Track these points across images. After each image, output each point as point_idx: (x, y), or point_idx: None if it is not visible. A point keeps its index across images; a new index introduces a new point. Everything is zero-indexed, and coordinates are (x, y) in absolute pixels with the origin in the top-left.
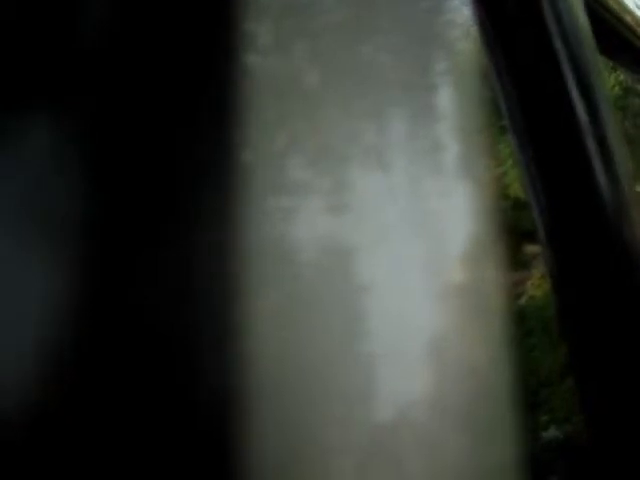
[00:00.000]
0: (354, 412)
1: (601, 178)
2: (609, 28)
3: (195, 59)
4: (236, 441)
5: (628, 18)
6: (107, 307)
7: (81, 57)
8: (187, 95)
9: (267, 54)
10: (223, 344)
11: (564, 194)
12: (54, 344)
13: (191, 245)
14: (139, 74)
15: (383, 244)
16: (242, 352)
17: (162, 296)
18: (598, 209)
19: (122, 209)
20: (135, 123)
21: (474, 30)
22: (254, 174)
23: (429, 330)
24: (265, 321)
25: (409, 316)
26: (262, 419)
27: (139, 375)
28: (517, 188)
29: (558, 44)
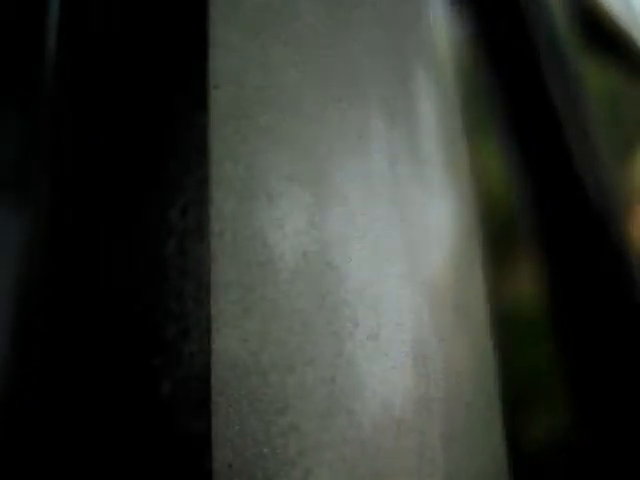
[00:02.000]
0: (337, 412)
1: (585, 173)
2: (597, 22)
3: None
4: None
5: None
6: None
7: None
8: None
9: (245, 56)
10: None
11: (549, 190)
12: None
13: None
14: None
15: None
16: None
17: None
18: (584, 204)
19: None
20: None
21: (455, 28)
22: (231, 178)
23: (413, 329)
24: (248, 317)
25: (393, 315)
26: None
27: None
28: (499, 187)
29: (538, 37)
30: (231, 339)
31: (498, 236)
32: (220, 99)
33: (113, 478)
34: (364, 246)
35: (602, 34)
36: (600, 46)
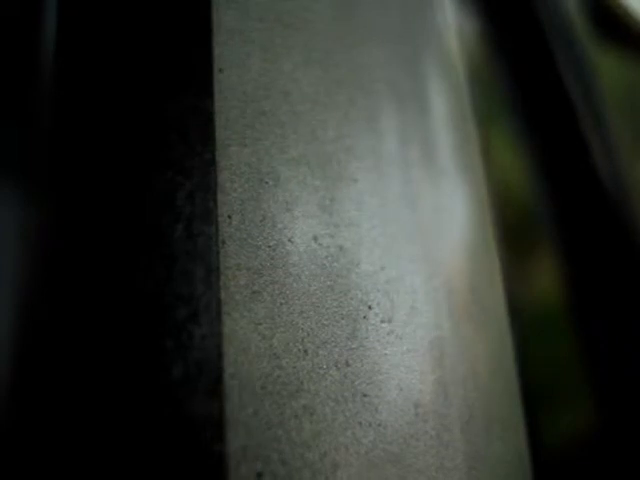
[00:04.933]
0: (352, 395)
1: (600, 163)
2: (611, 13)
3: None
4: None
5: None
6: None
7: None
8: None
9: (249, 41)
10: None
11: (564, 180)
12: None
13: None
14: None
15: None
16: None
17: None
18: (599, 194)
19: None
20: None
21: (465, 17)
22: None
23: (428, 312)
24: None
25: (407, 299)
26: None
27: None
28: (513, 174)
29: (551, 26)
30: (242, 323)
31: (513, 224)
32: (225, 83)
33: (124, 462)
34: (375, 229)
35: (616, 24)
36: (615, 37)
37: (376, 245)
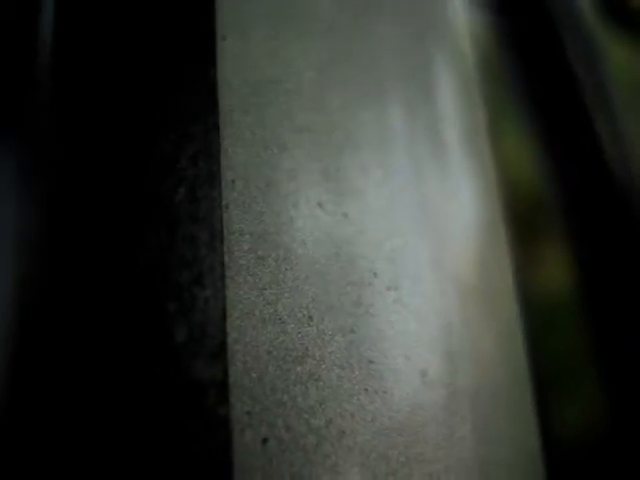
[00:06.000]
0: (357, 362)
1: (612, 156)
2: (622, 3)
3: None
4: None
5: None
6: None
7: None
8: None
9: (252, 7)
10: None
11: (576, 173)
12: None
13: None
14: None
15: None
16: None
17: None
18: (611, 187)
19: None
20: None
21: (476, 13)
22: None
23: (434, 282)
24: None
25: (412, 267)
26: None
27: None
28: (522, 166)
29: (562, 18)
30: (246, 287)
31: (522, 210)
32: (228, 50)
33: (128, 425)
34: (381, 198)
35: (626, 13)
36: (624, 25)
37: (381, 214)
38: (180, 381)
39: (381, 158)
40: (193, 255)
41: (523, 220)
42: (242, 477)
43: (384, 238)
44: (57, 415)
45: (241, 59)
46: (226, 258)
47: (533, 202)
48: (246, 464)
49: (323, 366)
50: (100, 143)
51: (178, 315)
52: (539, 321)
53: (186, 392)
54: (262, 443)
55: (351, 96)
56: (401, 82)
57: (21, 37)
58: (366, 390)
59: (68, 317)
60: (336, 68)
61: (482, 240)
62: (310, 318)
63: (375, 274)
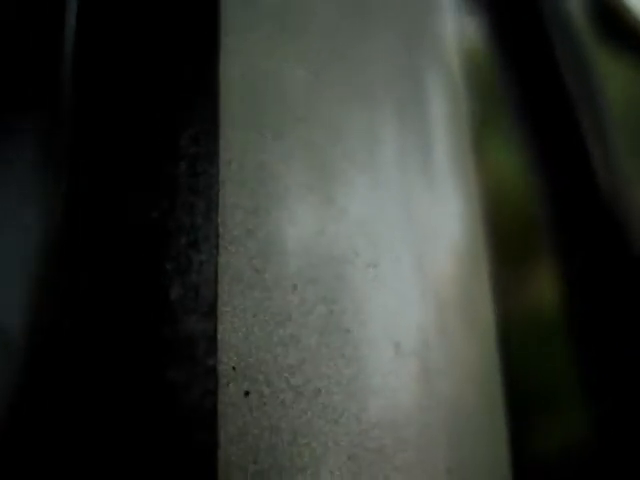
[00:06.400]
0: (335, 329)
1: (601, 171)
2: (615, 18)
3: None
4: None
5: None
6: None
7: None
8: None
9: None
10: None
11: (563, 188)
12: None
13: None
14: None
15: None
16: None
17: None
18: (598, 202)
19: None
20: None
21: (468, 25)
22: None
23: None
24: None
25: (393, 250)
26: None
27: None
28: (509, 184)
29: (555, 31)
30: (236, 255)
31: (507, 228)
32: (230, 47)
33: (122, 370)
34: (366, 185)
35: (619, 26)
36: (617, 38)
37: (366, 198)
38: (174, 333)
39: (367, 143)
40: (190, 222)
41: (508, 236)
42: (224, 425)
43: (367, 219)
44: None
45: (241, 55)
46: (220, 229)
47: (519, 217)
48: (228, 414)
49: (304, 331)
50: (104, 118)
51: (174, 275)
52: (520, 338)
53: (179, 342)
54: (244, 395)
55: (343, 94)
56: (391, 87)
57: (47, 39)
58: (343, 355)
59: (73, 272)
60: (329, 68)
61: (462, 254)
62: (294, 287)
63: (357, 253)
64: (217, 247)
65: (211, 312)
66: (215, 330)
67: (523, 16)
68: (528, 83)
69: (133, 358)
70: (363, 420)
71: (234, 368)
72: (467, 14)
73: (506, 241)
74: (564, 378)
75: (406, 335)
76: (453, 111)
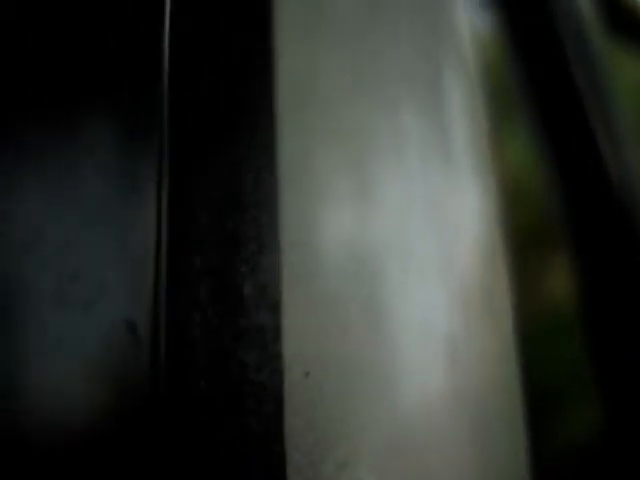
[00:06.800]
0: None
1: (612, 167)
2: (623, 13)
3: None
4: None
5: None
6: None
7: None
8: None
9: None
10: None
11: (577, 185)
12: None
13: None
14: None
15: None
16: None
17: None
18: (610, 199)
19: None
20: None
21: (482, 22)
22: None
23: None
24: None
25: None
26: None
27: None
28: (526, 178)
29: (564, 27)
30: (295, 258)
31: (523, 222)
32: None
33: (206, 353)
34: (394, 181)
35: (629, 23)
36: (627, 36)
37: (396, 196)
38: (248, 323)
39: (397, 158)
40: (257, 233)
41: (524, 229)
42: (289, 399)
43: (398, 221)
44: None
45: (292, 70)
46: (280, 236)
47: (534, 212)
48: (292, 391)
49: (351, 321)
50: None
51: (247, 275)
52: (537, 332)
53: (251, 331)
54: (305, 376)
55: (372, 100)
56: (413, 88)
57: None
58: (383, 343)
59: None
60: (358, 72)
61: (482, 247)
62: (341, 281)
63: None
64: (279, 252)
65: (276, 306)
66: (280, 321)
67: (533, 10)
68: (538, 77)
69: (216, 344)
70: (399, 404)
71: (295, 354)
72: (480, 9)
73: (522, 235)
74: (580, 374)
75: (435, 324)
76: (471, 107)
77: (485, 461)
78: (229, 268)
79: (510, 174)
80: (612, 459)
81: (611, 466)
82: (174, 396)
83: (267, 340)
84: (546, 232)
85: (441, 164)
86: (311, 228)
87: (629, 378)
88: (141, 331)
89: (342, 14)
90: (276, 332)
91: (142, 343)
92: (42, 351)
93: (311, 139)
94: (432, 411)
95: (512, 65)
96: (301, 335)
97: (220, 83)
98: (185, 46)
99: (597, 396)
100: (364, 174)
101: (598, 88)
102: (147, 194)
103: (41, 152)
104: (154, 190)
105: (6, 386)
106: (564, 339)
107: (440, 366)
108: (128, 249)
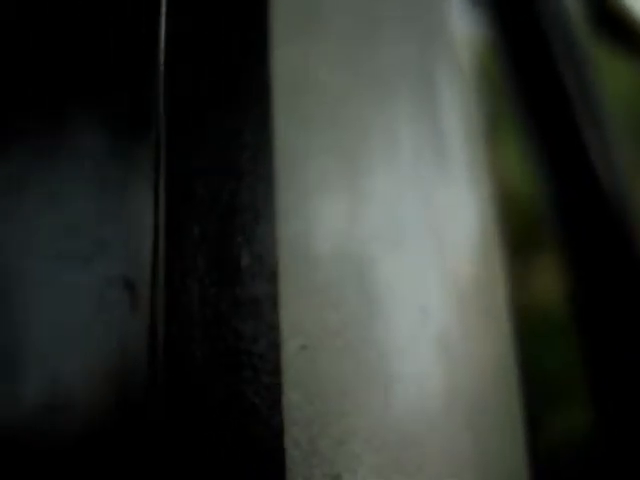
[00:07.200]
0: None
1: (602, 170)
2: (614, 18)
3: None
4: None
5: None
6: None
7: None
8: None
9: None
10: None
11: (567, 188)
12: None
13: None
14: None
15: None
16: None
17: None
18: (600, 201)
19: None
20: None
21: (476, 27)
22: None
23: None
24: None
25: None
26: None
27: None
28: (520, 182)
29: (554, 33)
30: (290, 232)
31: (516, 225)
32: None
33: (203, 322)
34: (386, 174)
35: (618, 27)
36: (617, 39)
37: (388, 188)
38: (244, 293)
39: (390, 151)
40: (253, 199)
41: (517, 232)
42: (286, 371)
43: (390, 210)
44: None
45: (289, 58)
46: (276, 208)
47: (527, 214)
48: (289, 363)
49: (344, 297)
50: (198, 122)
51: (243, 245)
52: (530, 333)
53: (247, 302)
54: (301, 349)
55: (366, 94)
56: (406, 85)
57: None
58: (376, 320)
59: None
60: (353, 69)
61: (477, 250)
62: (334, 260)
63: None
64: (275, 222)
65: (273, 277)
66: (277, 293)
67: (522, 15)
68: (528, 81)
69: (212, 313)
70: (394, 379)
71: (292, 325)
72: (474, 16)
73: (516, 238)
74: (570, 373)
75: (429, 314)
76: (465, 103)
77: (485, 458)
78: (226, 237)
79: (504, 172)
80: (604, 457)
81: (603, 464)
82: (171, 361)
83: (264, 311)
84: (536, 232)
85: (434, 158)
86: (304, 206)
87: (622, 377)
88: (139, 291)
89: (337, 9)
90: (273, 303)
91: (140, 304)
92: (39, 308)
93: (306, 122)
94: (426, 398)
95: (501, 66)
96: (298, 308)
97: (218, 58)
98: (182, 24)
99: (589, 394)
100: (358, 163)
101: (586, 90)
102: (145, 161)
103: (42, 116)
104: (152, 157)
105: (4, 339)
106: (553, 338)
107: (434, 355)
108: (126, 207)
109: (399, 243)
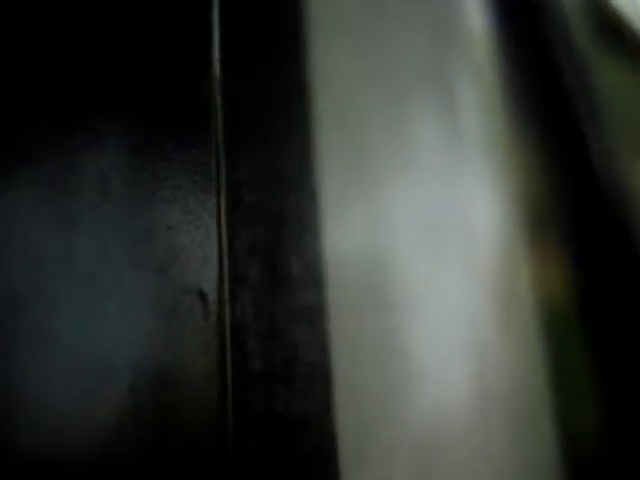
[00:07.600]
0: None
1: (603, 171)
2: (611, 22)
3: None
4: None
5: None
6: None
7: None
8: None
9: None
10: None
11: (572, 188)
12: None
13: None
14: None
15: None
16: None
17: None
18: (602, 202)
19: None
20: None
21: (489, 29)
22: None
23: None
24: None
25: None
26: None
27: None
28: (534, 182)
29: (553, 35)
30: (338, 233)
31: (532, 223)
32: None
33: (259, 330)
34: (408, 183)
35: (617, 35)
36: (616, 46)
37: (411, 197)
38: (296, 302)
39: (411, 157)
40: (299, 208)
41: (532, 230)
42: (338, 373)
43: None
44: None
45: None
46: (320, 220)
47: (540, 214)
48: (341, 365)
49: (387, 303)
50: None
51: (291, 252)
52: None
53: (300, 311)
54: (350, 351)
55: (389, 103)
56: (426, 91)
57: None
58: (411, 325)
59: None
60: (374, 76)
61: (502, 247)
62: (365, 269)
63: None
64: (319, 231)
65: (321, 282)
66: (325, 300)
67: (520, 15)
68: (529, 82)
69: (269, 323)
70: (439, 382)
71: (339, 329)
72: (488, 19)
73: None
74: (582, 369)
75: (467, 306)
76: (484, 102)
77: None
78: (276, 246)
79: (522, 176)
80: (615, 453)
81: (615, 464)
82: (238, 373)
83: (314, 318)
84: (548, 233)
85: (455, 162)
86: (341, 217)
87: (627, 374)
88: (210, 302)
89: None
90: (321, 310)
91: (211, 313)
92: (115, 312)
93: (346, 129)
94: (465, 400)
95: (503, 66)
96: (345, 313)
97: (269, 72)
98: (235, 28)
99: (598, 391)
100: (378, 173)
101: (586, 91)
102: (207, 171)
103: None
104: (214, 167)
105: (78, 340)
106: (566, 336)
107: (472, 357)
108: (194, 217)
109: (436, 247)
